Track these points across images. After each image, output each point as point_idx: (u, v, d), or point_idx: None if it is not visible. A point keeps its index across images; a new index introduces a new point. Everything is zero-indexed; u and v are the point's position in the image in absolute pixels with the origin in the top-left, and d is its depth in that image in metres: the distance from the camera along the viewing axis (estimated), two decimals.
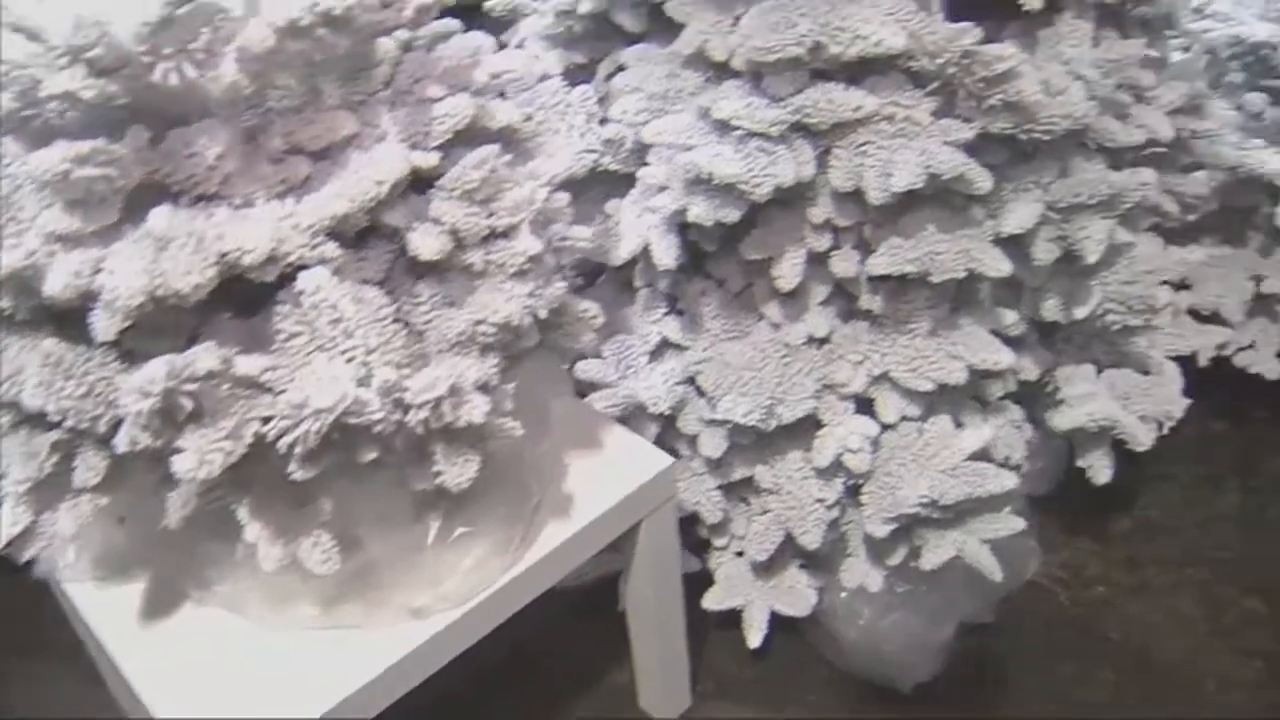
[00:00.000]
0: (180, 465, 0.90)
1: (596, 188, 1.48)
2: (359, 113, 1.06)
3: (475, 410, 0.98)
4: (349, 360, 0.96)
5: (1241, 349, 1.81)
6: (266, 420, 0.94)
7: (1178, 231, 1.78)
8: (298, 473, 0.97)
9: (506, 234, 1.04)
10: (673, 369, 1.45)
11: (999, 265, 1.28)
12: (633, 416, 1.46)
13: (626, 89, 1.37)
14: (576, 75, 1.56)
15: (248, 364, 0.94)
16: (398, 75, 1.06)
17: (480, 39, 1.12)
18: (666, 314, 1.50)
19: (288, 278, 0.98)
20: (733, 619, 1.56)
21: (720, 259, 1.46)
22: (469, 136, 1.08)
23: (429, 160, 1.02)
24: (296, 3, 0.87)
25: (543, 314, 1.06)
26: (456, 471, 1.03)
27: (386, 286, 1.07)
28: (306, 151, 1.04)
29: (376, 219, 1.02)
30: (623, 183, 1.45)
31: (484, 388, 1.03)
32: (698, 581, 1.57)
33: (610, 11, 1.48)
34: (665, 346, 1.50)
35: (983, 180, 1.24)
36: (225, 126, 0.97)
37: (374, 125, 1.05)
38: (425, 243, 0.99)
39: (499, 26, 1.72)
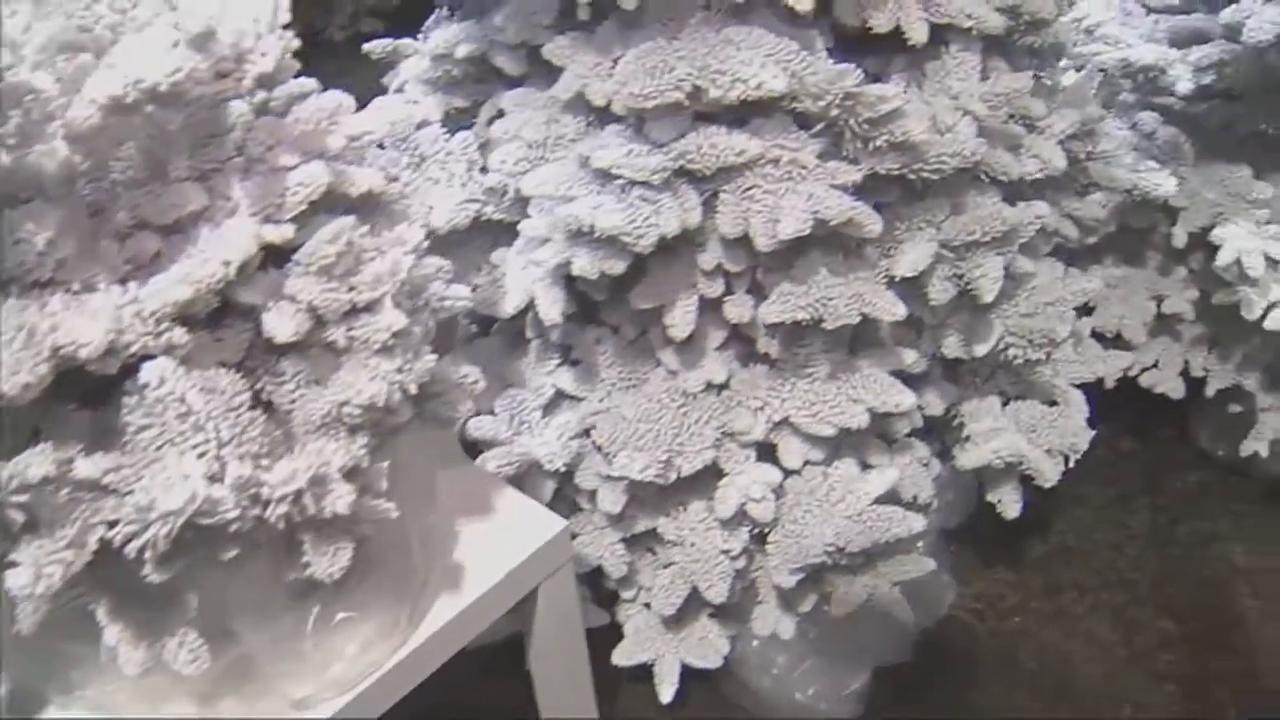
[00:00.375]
0: (15, 581, 0.84)
1: (481, 237, 1.43)
2: (212, 182, 1.00)
3: (340, 500, 0.92)
4: (200, 455, 0.89)
5: (1146, 369, 1.80)
6: (113, 524, 0.88)
7: (1078, 253, 1.77)
8: (152, 575, 0.90)
9: (370, 308, 0.97)
10: (568, 422, 1.40)
11: (893, 309, 1.25)
12: (528, 474, 1.40)
13: (505, 137, 1.32)
14: (458, 119, 1.51)
15: (88, 466, 0.87)
16: (249, 142, 1.00)
17: (340, 98, 1.06)
18: (560, 365, 1.45)
19: (134, 367, 0.91)
20: (645, 671, 1.51)
21: (613, 306, 1.41)
22: (329, 203, 1.02)
23: (283, 234, 0.95)
24: (118, 79, 0.80)
25: (413, 389, 1.00)
26: (327, 562, 0.97)
27: (247, 365, 1.01)
28: (154, 226, 0.97)
29: (230, 297, 0.96)
30: (508, 231, 1.39)
31: (353, 471, 0.97)
32: (608, 635, 1.52)
33: (489, 54, 1.42)
34: (560, 398, 1.45)
35: (872, 223, 1.21)
36: (57, 207, 0.90)
37: (225, 197, 0.98)
38: (280, 324, 0.93)
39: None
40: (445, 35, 1.44)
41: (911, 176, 1.24)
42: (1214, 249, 1.67)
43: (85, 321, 0.86)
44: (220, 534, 0.91)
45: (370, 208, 1.07)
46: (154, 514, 0.85)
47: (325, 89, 1.13)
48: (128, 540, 0.86)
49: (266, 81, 0.92)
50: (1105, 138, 1.70)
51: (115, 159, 0.97)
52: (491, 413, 1.42)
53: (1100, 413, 1.57)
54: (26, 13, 0.89)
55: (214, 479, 0.89)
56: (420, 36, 1.63)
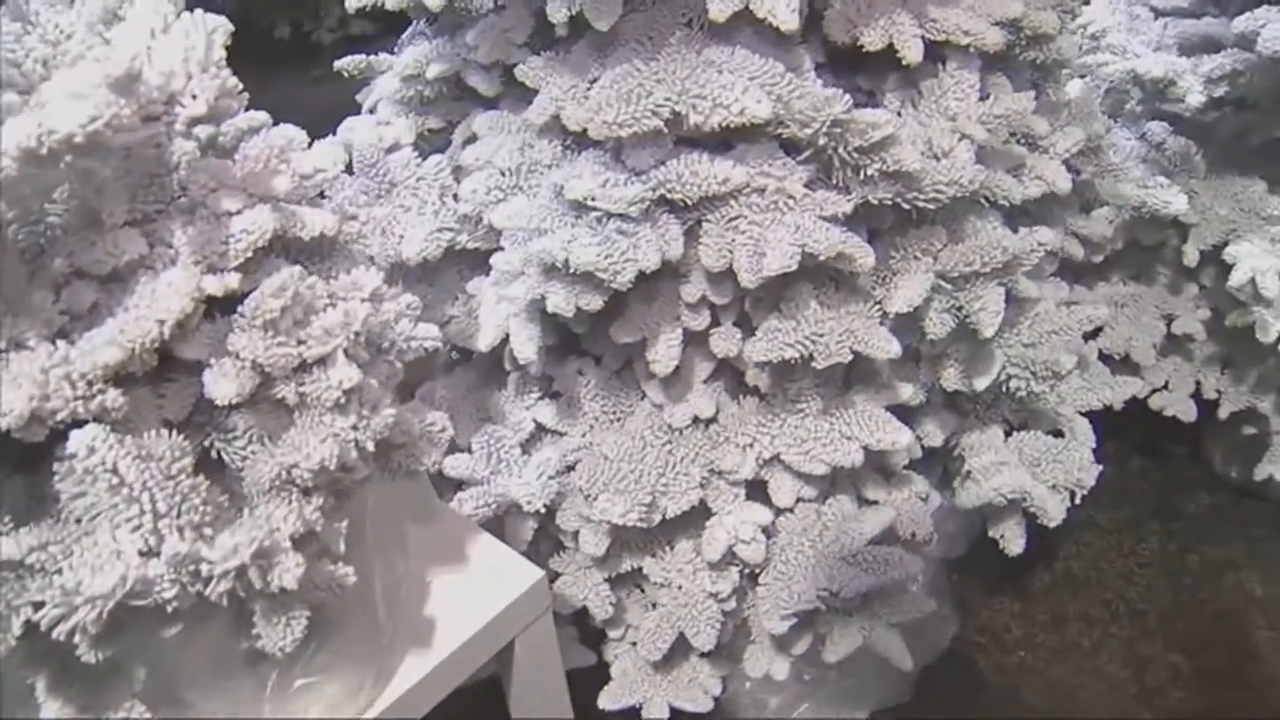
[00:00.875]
0: None
1: (457, 265, 1.36)
2: (153, 225, 0.93)
3: (288, 574, 0.86)
4: (134, 529, 0.82)
5: (1156, 390, 1.73)
6: (40, 605, 0.81)
7: (1085, 269, 1.70)
8: (87, 656, 0.84)
9: (322, 361, 0.91)
10: (548, 459, 1.33)
11: (887, 347, 1.18)
12: (507, 514, 1.34)
13: (476, 164, 1.25)
14: (433, 140, 1.44)
15: (10, 546, 0.81)
16: (191, 185, 0.93)
17: (291, 134, 0.99)
18: (541, 398, 1.38)
19: (66, 431, 0.85)
20: (633, 713, 1.45)
21: (595, 336, 1.34)
22: (280, 245, 0.95)
23: (224, 285, 0.89)
24: (30, 129, 0.74)
25: (370, 446, 0.93)
26: (278, 635, 0.91)
27: (195, 421, 0.94)
28: (91, 276, 0.91)
29: (172, 351, 0.90)
30: (484, 259, 1.33)
31: (306, 537, 0.91)
32: (595, 674, 1.45)
33: (463, 73, 1.35)
34: (541, 432, 1.39)
35: (864, 257, 1.14)
36: None
37: (166, 244, 0.92)
38: (221, 384, 0.86)
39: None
40: (416, 54, 1.37)
41: (906, 205, 1.17)
42: (1227, 266, 1.59)
43: (7, 388, 0.80)
44: (159, 612, 0.85)
45: (325, 249, 1.00)
46: (80, 598, 0.79)
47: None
48: (54, 624, 0.80)
49: (199, 121, 0.85)
50: (1112, 149, 1.63)
51: (50, 202, 0.91)
52: (468, 449, 1.35)
53: (1109, 431, 1.51)
54: None
55: (150, 554, 0.83)
56: (396, 48, 1.56)
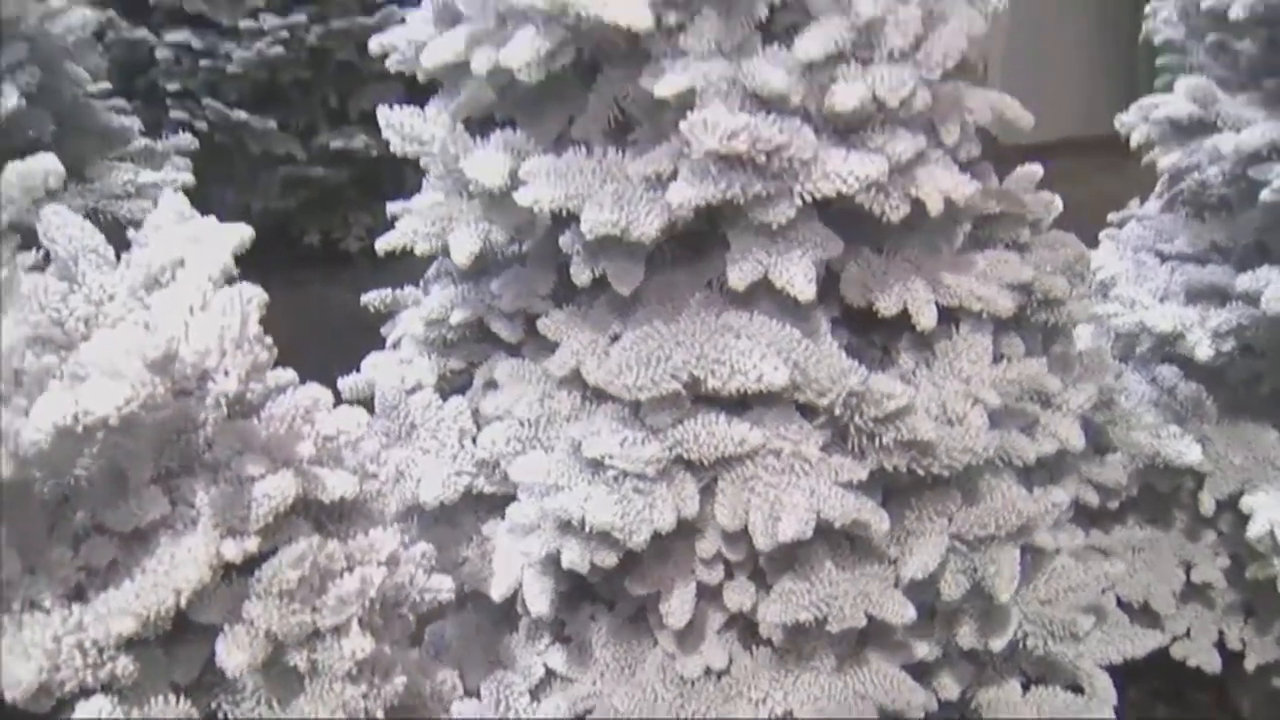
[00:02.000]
0: None
1: (474, 508, 1.37)
2: (177, 481, 0.95)
3: None
4: None
5: (1177, 638, 1.70)
6: None
7: (1100, 513, 1.69)
8: None
9: (336, 629, 0.91)
10: (558, 707, 1.31)
11: (902, 612, 1.17)
12: None
13: (496, 413, 1.27)
14: (454, 381, 1.47)
15: None
16: (216, 444, 0.95)
17: (316, 394, 1.01)
18: (552, 643, 1.37)
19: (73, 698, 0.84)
20: None
21: (609, 583, 1.34)
22: (300, 507, 0.97)
23: (244, 550, 0.90)
24: (68, 407, 0.76)
25: (380, 715, 0.92)
26: None
27: (205, 680, 0.94)
28: (112, 532, 0.92)
29: (186, 615, 0.90)
30: (501, 503, 1.33)
31: None
32: None
33: (486, 318, 1.39)
34: (551, 677, 1.36)
35: (880, 523, 1.14)
36: None
37: (189, 504, 0.93)
38: (233, 655, 0.86)
39: None
40: (441, 299, 1.41)
41: (921, 472, 1.18)
42: (1244, 514, 1.58)
43: (16, 658, 0.80)
44: None
45: (345, 508, 1.02)
46: None
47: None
48: None
49: (228, 393, 0.88)
50: (1123, 394, 1.65)
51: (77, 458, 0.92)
52: (477, 694, 1.33)
53: (1130, 676, 1.47)
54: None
55: None
56: (422, 284, 1.61)
